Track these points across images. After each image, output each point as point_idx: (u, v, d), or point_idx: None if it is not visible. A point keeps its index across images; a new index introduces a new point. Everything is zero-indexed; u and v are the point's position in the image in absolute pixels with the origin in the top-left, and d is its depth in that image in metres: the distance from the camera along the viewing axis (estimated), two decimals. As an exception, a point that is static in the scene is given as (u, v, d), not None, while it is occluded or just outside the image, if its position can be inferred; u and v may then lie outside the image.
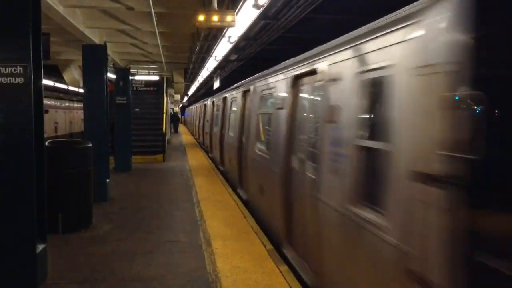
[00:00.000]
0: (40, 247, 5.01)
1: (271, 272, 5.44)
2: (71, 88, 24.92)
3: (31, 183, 4.87)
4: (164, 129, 18.43)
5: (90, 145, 7.65)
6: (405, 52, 3.14)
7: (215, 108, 17.48)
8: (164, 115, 19.19)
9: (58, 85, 25.08)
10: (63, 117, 31.08)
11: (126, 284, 5.14)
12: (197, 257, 6.01)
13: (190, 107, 49.33)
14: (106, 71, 10.33)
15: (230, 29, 8.55)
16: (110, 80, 13.60)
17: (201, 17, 6.40)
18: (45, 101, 24.57)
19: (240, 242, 6.66)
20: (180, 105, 62.11)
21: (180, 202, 9.63)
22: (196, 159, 18.26)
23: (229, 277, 5.26)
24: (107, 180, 9.87)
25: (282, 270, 5.47)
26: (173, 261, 5.86)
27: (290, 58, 6.74)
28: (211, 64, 16.51)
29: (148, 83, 19.63)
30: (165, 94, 20.37)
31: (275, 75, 7.29)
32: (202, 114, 24.16)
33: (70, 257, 6.01)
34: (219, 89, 18.54)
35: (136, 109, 17.97)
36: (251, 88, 9.50)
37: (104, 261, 5.89)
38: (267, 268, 5.56)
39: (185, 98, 53.74)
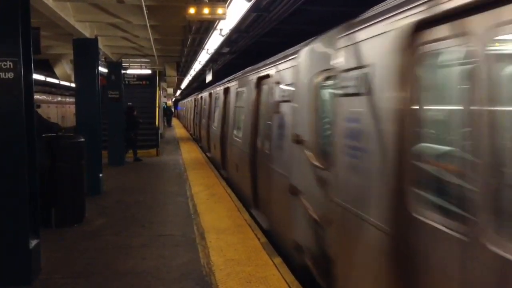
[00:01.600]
0: (33, 242, 5.00)
1: (265, 264, 5.46)
2: (62, 82, 24.76)
3: (23, 178, 4.86)
4: (157, 123, 18.38)
5: (83, 139, 7.63)
6: None
7: (212, 102, 15.44)
8: (157, 108, 19.13)
9: (49, 79, 24.92)
10: (55, 111, 30.93)
11: (120, 278, 5.14)
12: (191, 250, 6.01)
13: (183, 101, 49.12)
14: (98, 65, 10.28)
15: (221, 21, 8.51)
16: (102, 74, 13.54)
17: (191, 10, 6.38)
18: (37, 96, 24.48)
19: (234, 235, 6.67)
20: (173, 99, 61.93)
21: (174, 195, 9.63)
22: (189, 152, 18.23)
23: (223, 270, 5.28)
24: (100, 175, 9.85)
25: (275, 262, 5.49)
26: (167, 255, 5.86)
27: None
28: (203, 57, 16.45)
29: (140, 77, 19.57)
30: (157, 88, 20.30)
31: (344, 36, 3.82)
32: (198, 108, 21.95)
33: (64, 252, 6.00)
34: (216, 81, 18.34)
35: (128, 103, 17.90)
36: (272, 72, 6.63)
37: (98, 255, 5.88)
38: (261, 261, 5.58)
39: (178, 92, 53.60)
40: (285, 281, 4.95)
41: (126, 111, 15.58)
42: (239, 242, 6.30)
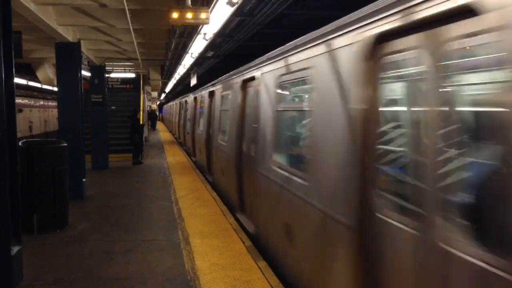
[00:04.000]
0: (15, 248, 4.94)
1: (250, 268, 5.47)
2: (45, 86, 24.51)
3: (4, 183, 4.79)
4: (141, 127, 18.29)
5: (65, 144, 7.56)
6: None
7: (187, 107, 17.16)
8: (141, 112, 19.03)
9: (31, 83, 24.64)
10: (38, 116, 30.55)
11: (104, 284, 5.10)
12: (175, 255, 5.99)
13: (168, 104, 48.98)
14: (81, 69, 10.20)
15: (205, 26, 8.51)
16: (85, 78, 13.44)
17: (174, 15, 6.36)
18: (19, 100, 24.17)
19: (219, 239, 6.67)
20: (158, 102, 61.67)
21: (159, 200, 9.58)
22: (174, 156, 18.16)
23: (207, 274, 5.27)
24: (84, 179, 9.76)
25: (260, 266, 5.50)
26: (152, 260, 5.83)
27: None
28: (187, 61, 16.40)
29: (124, 81, 19.45)
30: (141, 91, 20.20)
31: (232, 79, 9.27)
32: (179, 112, 23.56)
33: (46, 258, 5.93)
34: (199, 86, 18.30)
35: (112, 107, 17.78)
36: (214, 89, 11.15)
37: (81, 261, 5.83)
38: (246, 265, 5.59)
39: (163, 95, 53.37)
40: (270, 284, 4.97)
41: (131, 115, 15.57)
42: (224, 246, 6.30)
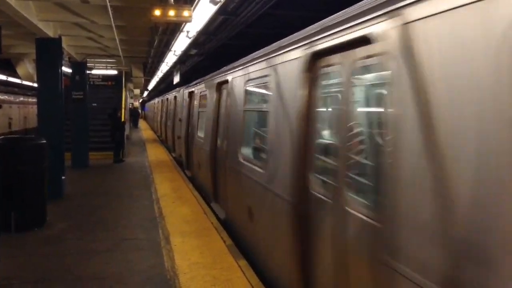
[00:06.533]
0: (-10, 247, 4.86)
1: (230, 267, 5.46)
2: (25, 82, 24.14)
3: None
4: (123, 124, 18.13)
5: (44, 141, 7.44)
6: None
7: (163, 105, 19.33)
8: (123, 110, 18.88)
9: (11, 79, 24.26)
10: (17, 112, 30.11)
11: (82, 283, 5.04)
12: (155, 254, 5.96)
13: (150, 102, 48.68)
14: (61, 65, 10.06)
15: (188, 24, 8.48)
16: (66, 74, 13.27)
17: (157, 12, 6.32)
18: (-2, 96, 23.71)
19: (200, 238, 6.64)
20: (140, 100, 61.25)
21: (139, 199, 9.51)
22: (156, 155, 18.05)
23: (187, 273, 5.25)
24: (63, 177, 9.64)
25: (241, 265, 5.50)
26: (131, 259, 5.78)
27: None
28: (170, 58, 16.33)
29: (105, 78, 19.28)
30: (124, 89, 20.03)
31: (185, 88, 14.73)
32: (158, 109, 26.17)
33: (24, 257, 5.85)
34: (183, 83, 18.24)
35: (93, 104, 17.60)
36: (176, 94, 16.76)
37: (60, 260, 5.75)
38: (226, 263, 5.58)
39: (146, 93, 53.03)
40: (250, 283, 4.97)
41: (111, 113, 15.40)
42: (205, 245, 6.28)
